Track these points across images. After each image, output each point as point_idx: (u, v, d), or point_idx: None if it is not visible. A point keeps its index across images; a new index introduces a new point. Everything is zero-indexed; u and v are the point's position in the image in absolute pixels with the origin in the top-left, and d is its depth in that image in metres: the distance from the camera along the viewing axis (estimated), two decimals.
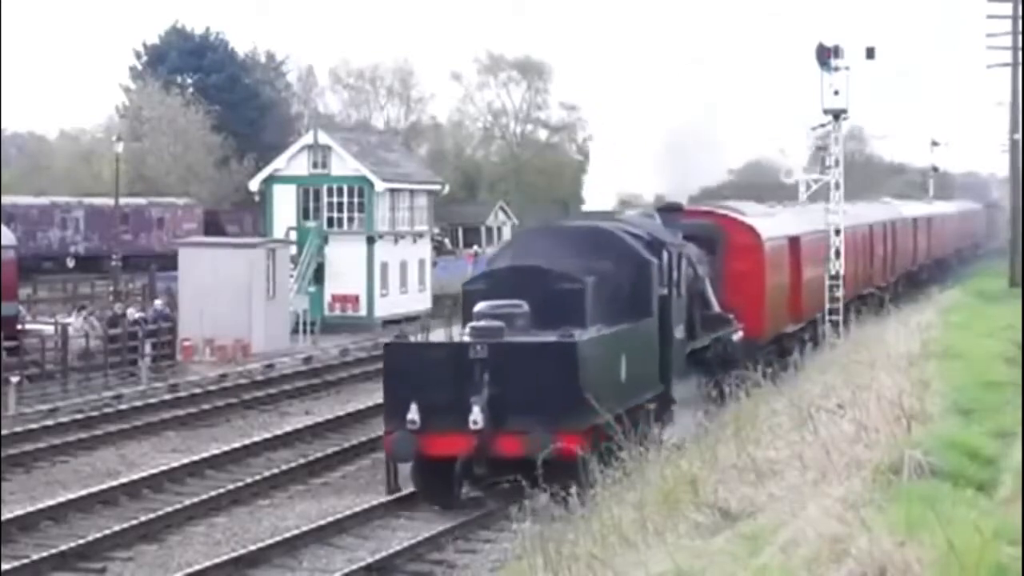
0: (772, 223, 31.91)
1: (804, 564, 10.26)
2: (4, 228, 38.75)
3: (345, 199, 52.73)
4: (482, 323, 19.83)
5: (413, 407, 19.33)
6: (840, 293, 36.06)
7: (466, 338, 20.03)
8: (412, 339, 21.01)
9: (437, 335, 21.36)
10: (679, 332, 23.32)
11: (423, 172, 62.17)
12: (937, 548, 9.46)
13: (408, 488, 20.81)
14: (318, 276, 51.12)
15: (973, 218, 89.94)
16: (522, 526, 13.52)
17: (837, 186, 37.36)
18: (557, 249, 22.13)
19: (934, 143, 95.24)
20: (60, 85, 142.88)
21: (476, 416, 18.99)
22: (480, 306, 20.26)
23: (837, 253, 36.56)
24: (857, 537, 10.15)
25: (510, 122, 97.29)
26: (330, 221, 52.60)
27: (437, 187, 59.64)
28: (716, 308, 26.20)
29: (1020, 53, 50.59)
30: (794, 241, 33.23)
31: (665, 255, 23.07)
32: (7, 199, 58.40)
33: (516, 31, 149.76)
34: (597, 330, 20.55)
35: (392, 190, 53.87)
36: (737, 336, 26.54)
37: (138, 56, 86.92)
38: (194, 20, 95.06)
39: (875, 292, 41.10)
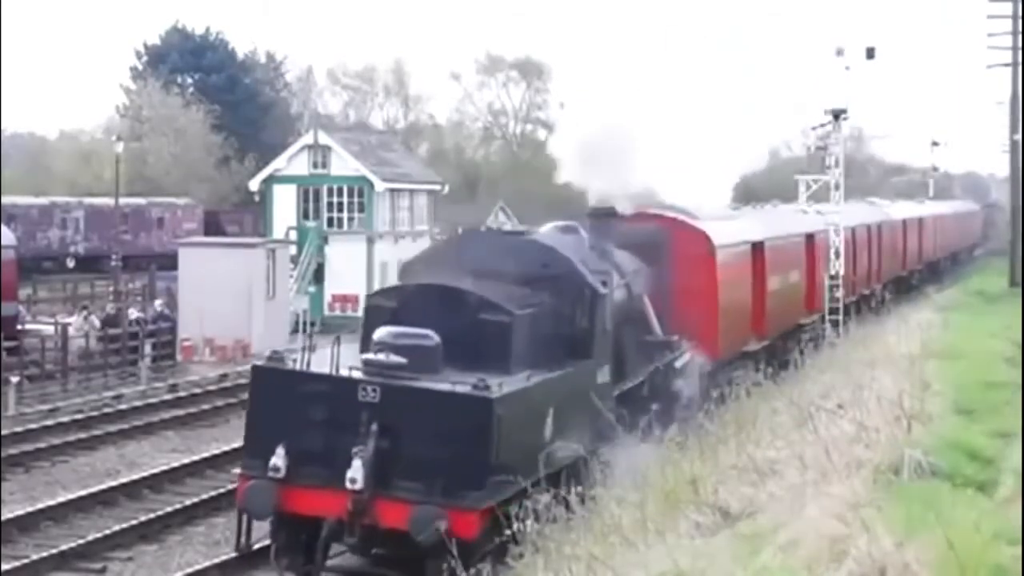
0: (728, 227, 27.76)
1: (804, 564, 10.28)
2: (4, 228, 38.77)
3: (345, 199, 52.79)
4: (379, 357, 15.71)
5: (279, 451, 15.36)
6: (840, 293, 36.07)
7: (356, 373, 15.70)
8: (289, 364, 16.09)
9: (323, 358, 16.16)
10: (603, 375, 19.04)
11: (423, 172, 62.23)
12: (937, 548, 9.48)
13: (262, 541, 16.81)
14: (318, 276, 51.16)
15: (970, 219, 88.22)
16: (523, 526, 13.50)
17: (837, 187, 37.40)
18: (489, 265, 18.14)
19: (934, 143, 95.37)
20: (60, 85, 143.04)
21: (355, 473, 14.98)
22: (380, 333, 16.08)
23: (837, 253, 36.57)
24: (857, 537, 10.16)
25: (510, 122, 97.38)
26: (330, 221, 52.65)
27: (437, 187, 59.70)
28: (657, 330, 22.05)
29: (1020, 53, 50.61)
30: (757, 247, 29.29)
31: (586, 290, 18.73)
32: (7, 199, 58.41)
33: (516, 31, 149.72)
34: (525, 378, 16.31)
35: (392, 190, 53.92)
36: (682, 362, 22.46)
37: (139, 56, 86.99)
38: (194, 20, 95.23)
39: (858, 300, 39.16)
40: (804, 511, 11.73)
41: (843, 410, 16.85)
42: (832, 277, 36.11)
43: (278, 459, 15.32)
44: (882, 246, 46.99)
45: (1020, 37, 50.48)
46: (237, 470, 16.83)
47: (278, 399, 15.81)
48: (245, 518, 16.05)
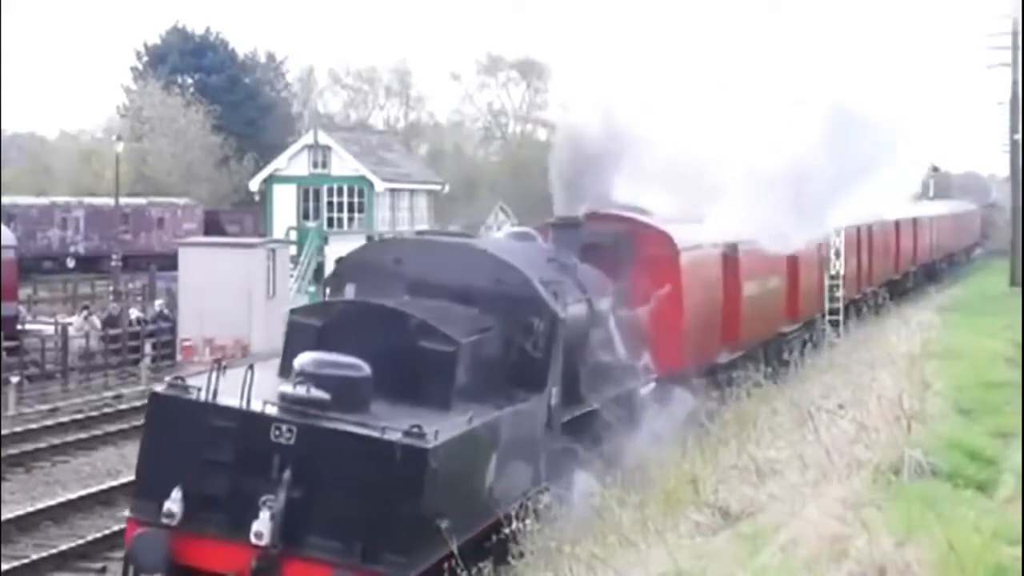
0: (695, 229, 24.77)
1: (804, 564, 10.28)
2: (4, 228, 38.81)
3: (345, 199, 52.85)
4: (298, 390, 13.28)
5: (175, 494, 13.14)
6: (840, 293, 36.03)
7: (271, 408, 13.29)
8: (194, 392, 13.56)
9: (234, 382, 13.34)
10: (553, 397, 16.43)
11: (423, 172, 62.32)
12: (937, 548, 9.48)
13: None
14: (318, 276, 51.20)
15: (967, 219, 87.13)
16: (524, 525, 13.51)
17: None
18: (433, 277, 15.97)
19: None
20: (60, 85, 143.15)
21: (262, 526, 12.78)
22: (302, 360, 13.66)
23: (837, 253, 36.56)
24: (857, 537, 10.17)
25: (510, 122, 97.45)
26: (330, 221, 52.76)
27: (437, 187, 59.75)
28: (623, 354, 19.46)
29: (1020, 53, 50.67)
30: (730, 250, 26.60)
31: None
32: (7, 199, 58.47)
33: (516, 31, 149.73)
34: (467, 420, 13.82)
35: (392, 190, 54.01)
36: (647, 389, 19.86)
37: (139, 56, 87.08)
38: (194, 20, 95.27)
39: (846, 306, 36.25)
40: (804, 511, 11.74)
41: (843, 410, 16.85)
42: (832, 277, 36.06)
43: (173, 504, 13.15)
44: (873, 248, 45.20)
45: (1020, 37, 50.53)
46: (127, 512, 14.43)
47: (177, 433, 13.47)
48: (132, 570, 13.57)
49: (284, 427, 13.03)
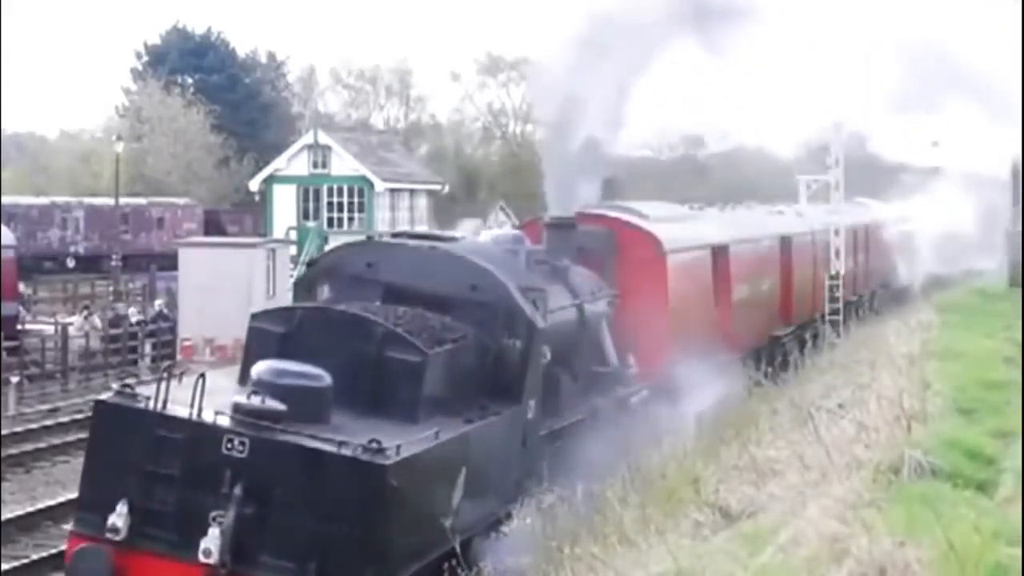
0: (682, 229, 24.12)
1: (804, 564, 10.29)
2: (4, 228, 38.84)
3: (345, 199, 52.87)
4: (252, 401, 12.56)
5: (121, 508, 12.50)
6: (840, 293, 35.99)
7: (222, 419, 12.56)
8: (142, 401, 12.90)
9: (184, 392, 12.75)
10: (530, 411, 15.57)
11: (423, 172, 62.34)
12: (937, 548, 9.49)
13: None
14: None
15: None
16: (525, 525, 13.52)
17: (837, 186, 37.33)
18: (406, 282, 15.32)
19: (934, 143, 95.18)
20: (60, 85, 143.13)
21: (211, 543, 12.10)
22: (260, 369, 12.98)
23: (837, 253, 36.53)
24: (857, 537, 10.18)
25: (510, 122, 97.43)
26: (330, 221, 52.77)
27: (437, 187, 59.77)
28: (613, 361, 18.88)
29: (1020, 52, 50.66)
30: (720, 251, 25.70)
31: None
32: (7, 199, 58.50)
33: (516, 31, 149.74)
34: (433, 434, 13.01)
35: (392, 190, 54.04)
36: (638, 399, 19.21)
37: (139, 56, 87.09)
38: (195, 20, 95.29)
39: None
40: (804, 511, 11.76)
41: (843, 410, 16.87)
42: (832, 277, 36.02)
43: (118, 518, 12.47)
44: (869, 250, 42.56)
45: (1020, 36, 50.52)
46: (69, 526, 13.80)
47: (124, 444, 12.77)
48: None
49: (236, 439, 12.35)
